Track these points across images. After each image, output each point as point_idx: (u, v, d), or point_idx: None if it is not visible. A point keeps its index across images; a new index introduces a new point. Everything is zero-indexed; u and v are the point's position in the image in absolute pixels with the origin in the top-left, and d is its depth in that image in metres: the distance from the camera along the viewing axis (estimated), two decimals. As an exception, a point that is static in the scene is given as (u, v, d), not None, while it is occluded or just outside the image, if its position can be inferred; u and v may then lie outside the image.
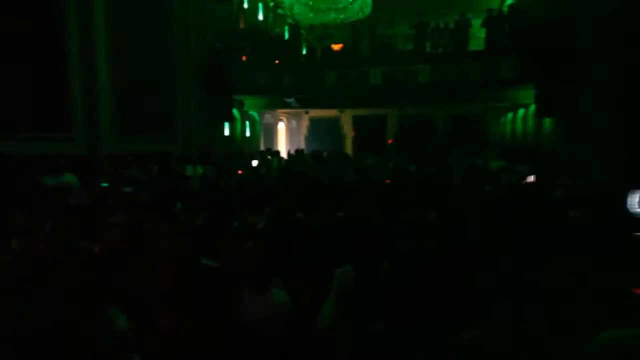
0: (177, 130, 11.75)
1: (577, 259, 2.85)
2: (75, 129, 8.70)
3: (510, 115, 15.47)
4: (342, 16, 12.45)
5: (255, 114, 16.19)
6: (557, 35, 10.20)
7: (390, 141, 18.84)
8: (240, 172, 9.33)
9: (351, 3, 10.84)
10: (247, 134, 15.53)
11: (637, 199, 5.43)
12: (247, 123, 15.53)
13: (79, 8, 8.69)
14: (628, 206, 5.23)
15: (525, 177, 7.44)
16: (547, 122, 11.54)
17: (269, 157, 12.63)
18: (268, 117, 18.07)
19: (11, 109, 7.34)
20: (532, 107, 11.91)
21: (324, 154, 14.50)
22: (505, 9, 15.91)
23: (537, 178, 6.98)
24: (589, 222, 4.40)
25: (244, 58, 13.69)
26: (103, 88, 9.22)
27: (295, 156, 13.07)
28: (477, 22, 13.09)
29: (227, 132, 13.83)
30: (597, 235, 3.81)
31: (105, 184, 6.73)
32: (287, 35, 15.31)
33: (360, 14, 11.15)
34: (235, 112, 13.78)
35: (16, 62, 7.57)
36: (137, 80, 10.00)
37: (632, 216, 5.06)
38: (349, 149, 18.85)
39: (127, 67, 9.77)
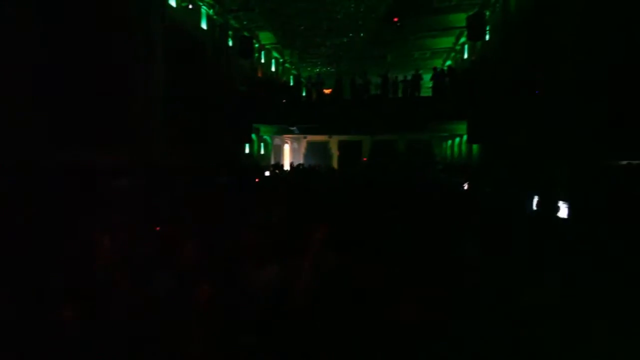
0: (214, 149, 11.67)
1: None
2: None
3: (449, 142, 15.71)
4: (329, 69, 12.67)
5: (268, 138, 16.24)
6: (482, 87, 10.46)
7: (364, 159, 18.98)
8: (257, 180, 9.32)
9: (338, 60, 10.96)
10: (262, 151, 15.57)
11: (535, 202, 5.58)
12: (262, 144, 15.57)
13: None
14: (530, 207, 5.36)
15: (462, 185, 7.55)
16: (475, 147, 11.76)
17: (277, 170, 12.68)
18: (277, 140, 18.11)
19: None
20: (465, 137, 12.12)
21: (317, 167, 14.63)
22: (445, 68, 16.32)
23: (468, 186, 7.06)
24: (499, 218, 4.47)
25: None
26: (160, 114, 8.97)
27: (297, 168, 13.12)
28: (426, 76, 13.35)
29: (247, 150, 13.88)
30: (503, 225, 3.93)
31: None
32: (291, 82, 15.44)
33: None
34: (253, 136, 13.83)
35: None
36: (184, 112, 9.99)
37: (532, 214, 5.19)
38: (335, 164, 18.95)
39: (180, 101, 9.68)
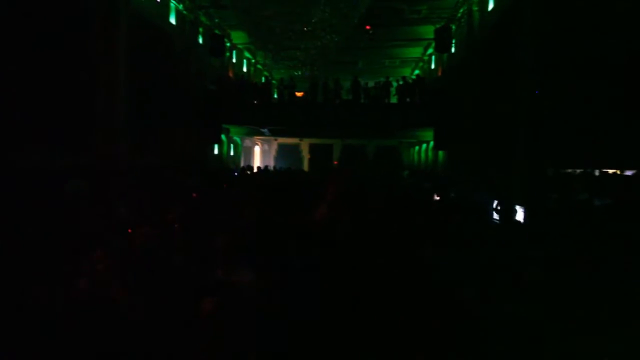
0: (181, 149, 11.27)
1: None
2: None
3: (417, 147, 16.34)
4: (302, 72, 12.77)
5: (238, 139, 15.96)
6: (448, 97, 11.03)
7: (335, 162, 19.22)
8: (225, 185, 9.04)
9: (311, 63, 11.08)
10: (231, 153, 15.27)
11: (495, 206, 5.97)
12: (232, 145, 15.27)
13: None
14: (492, 210, 5.72)
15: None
16: (441, 153, 12.34)
17: (248, 172, 12.49)
18: (247, 142, 17.85)
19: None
20: (431, 143, 12.67)
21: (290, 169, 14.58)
22: (414, 76, 17.00)
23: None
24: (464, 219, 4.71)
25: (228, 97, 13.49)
26: (123, 114, 8.56)
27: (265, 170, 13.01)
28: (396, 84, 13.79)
29: (216, 151, 13.55)
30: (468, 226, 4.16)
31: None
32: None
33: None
34: (223, 137, 13.54)
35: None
36: (156, 111, 9.59)
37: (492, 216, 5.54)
38: (306, 167, 19.00)
39: (143, 99, 9.28)
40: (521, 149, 7.19)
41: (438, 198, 5.71)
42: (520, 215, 5.31)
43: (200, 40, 12.59)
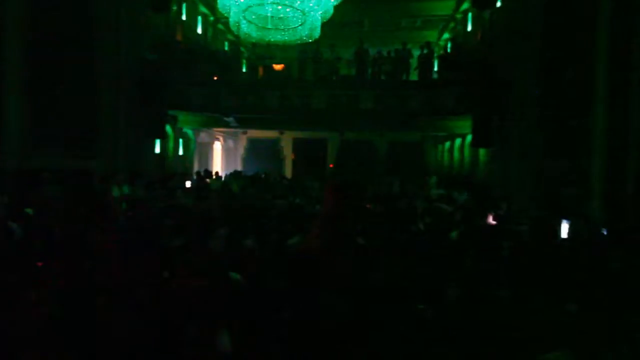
0: (101, 145, 11.08)
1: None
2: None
3: (447, 144, 16.36)
4: (286, 38, 12.68)
5: (190, 132, 15.73)
6: (493, 72, 11.04)
7: (331, 165, 19.12)
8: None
9: (301, 24, 11.00)
10: (180, 152, 15.02)
11: (566, 229, 5.92)
12: (181, 141, 15.02)
13: None
14: (561, 235, 5.68)
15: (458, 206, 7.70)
16: (482, 152, 12.33)
17: (207, 179, 12.29)
18: (203, 136, 17.64)
19: None
20: (469, 137, 12.67)
21: (263, 175, 14.44)
22: (442, 43, 17.08)
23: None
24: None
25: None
26: (12, 92, 8.41)
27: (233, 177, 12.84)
28: (417, 53, 13.85)
29: (157, 149, 13.27)
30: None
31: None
32: (227, 51, 15.24)
33: (306, 37, 11.37)
34: (168, 128, 13.30)
35: None
36: (54, 87, 9.34)
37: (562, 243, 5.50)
38: (288, 171, 18.86)
39: (44, 71, 9.07)
40: (600, 154, 7.17)
41: (494, 222, 5.64)
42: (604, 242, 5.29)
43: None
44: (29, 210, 5.40)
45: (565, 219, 5.89)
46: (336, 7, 11.07)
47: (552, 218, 5.99)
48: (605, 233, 5.44)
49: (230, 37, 17.96)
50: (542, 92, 9.42)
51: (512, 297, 3.22)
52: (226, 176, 14.40)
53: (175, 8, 14.13)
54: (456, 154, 15.26)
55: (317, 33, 10.97)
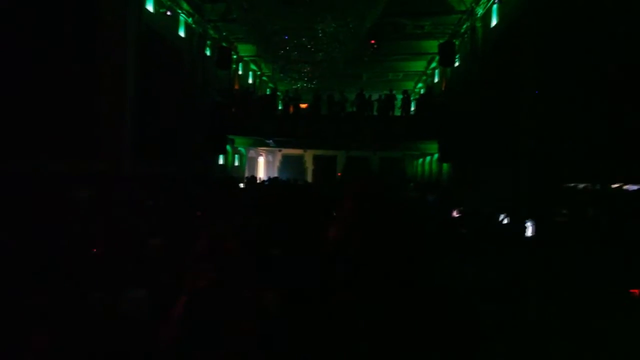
0: (181, 158, 11.29)
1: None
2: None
3: (421, 160, 16.36)
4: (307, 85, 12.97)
5: (242, 150, 16.05)
6: (452, 110, 11.11)
7: (339, 174, 19.24)
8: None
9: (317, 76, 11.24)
10: (236, 163, 15.34)
11: (503, 219, 5.94)
12: (237, 156, 15.35)
13: (114, 57, 8.10)
14: (499, 225, 5.69)
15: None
16: (445, 166, 12.35)
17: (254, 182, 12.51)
18: (252, 152, 17.94)
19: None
20: (436, 156, 12.70)
21: (291, 180, 14.60)
22: (417, 90, 17.16)
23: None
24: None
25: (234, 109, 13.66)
26: (130, 121, 8.60)
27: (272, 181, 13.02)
28: (400, 97, 13.92)
29: (221, 161, 13.61)
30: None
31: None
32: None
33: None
34: (228, 147, 13.64)
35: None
36: (157, 119, 9.68)
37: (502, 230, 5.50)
38: (309, 178, 19.03)
39: (151, 109, 9.41)
40: (526, 163, 7.20)
41: (458, 215, 5.66)
42: (529, 230, 5.29)
43: (208, 53, 12.82)
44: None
45: (502, 213, 5.92)
46: (344, 64, 11.25)
47: (493, 212, 6.02)
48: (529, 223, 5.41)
49: (271, 85, 18.32)
50: (479, 123, 9.50)
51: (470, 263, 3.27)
52: (268, 179, 14.61)
53: (234, 66, 14.52)
54: (427, 167, 15.26)
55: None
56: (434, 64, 15.09)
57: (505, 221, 5.49)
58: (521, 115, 7.35)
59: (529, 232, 4.95)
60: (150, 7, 9.60)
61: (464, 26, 11.24)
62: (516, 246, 4.24)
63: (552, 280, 2.78)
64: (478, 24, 10.40)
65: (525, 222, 4.94)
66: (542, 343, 2.02)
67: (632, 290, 2.33)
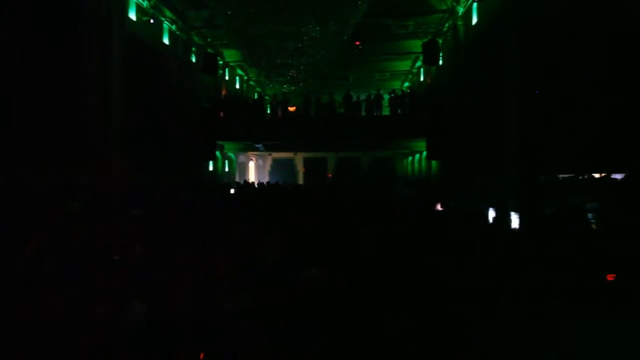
0: (174, 166, 11.24)
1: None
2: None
3: (410, 158, 16.52)
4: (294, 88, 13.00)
5: (232, 155, 15.99)
6: (438, 108, 11.27)
7: (329, 175, 19.30)
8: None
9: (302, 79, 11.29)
10: (226, 169, 15.27)
11: (492, 214, 6.05)
12: (226, 161, 15.29)
13: (100, 73, 8.15)
14: (489, 219, 5.78)
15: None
16: (434, 163, 12.50)
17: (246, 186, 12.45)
18: (242, 157, 17.89)
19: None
20: (424, 153, 12.84)
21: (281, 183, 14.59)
22: (404, 89, 17.33)
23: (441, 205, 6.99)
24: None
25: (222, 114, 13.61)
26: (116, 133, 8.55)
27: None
28: (387, 96, 14.03)
29: (211, 167, 13.54)
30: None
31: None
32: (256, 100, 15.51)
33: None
34: (217, 153, 13.57)
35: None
36: (145, 128, 9.59)
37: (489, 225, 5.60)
38: (300, 180, 19.04)
39: (139, 118, 9.31)
40: (511, 156, 7.35)
41: (441, 208, 5.76)
42: (515, 222, 5.40)
43: (194, 59, 12.76)
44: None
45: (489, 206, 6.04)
46: (330, 66, 11.31)
47: (479, 205, 6.13)
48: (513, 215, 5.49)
49: (258, 89, 18.30)
50: (465, 120, 9.65)
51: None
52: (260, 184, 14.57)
53: (220, 72, 14.46)
54: (416, 164, 15.42)
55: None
56: (419, 63, 15.28)
57: (492, 214, 5.60)
58: (506, 111, 7.50)
59: (514, 224, 5.06)
60: (133, 16, 9.53)
61: (446, 25, 11.43)
62: (501, 237, 4.33)
63: (539, 272, 2.85)
64: (459, 22, 10.59)
65: (510, 215, 5.04)
66: (528, 341, 2.05)
67: (607, 276, 2.41)
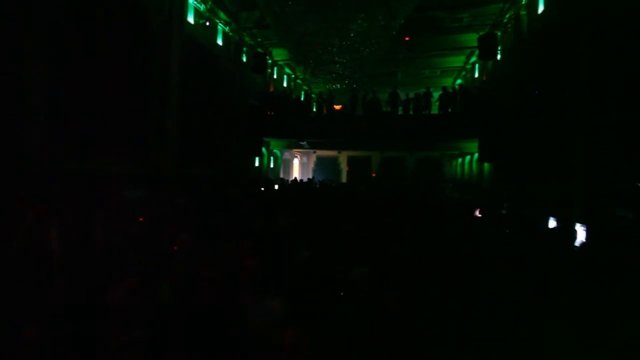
0: (220, 161, 11.72)
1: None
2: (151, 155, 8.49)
3: (459, 159, 15.53)
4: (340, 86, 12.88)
5: (277, 152, 16.33)
6: (493, 107, 10.39)
7: (374, 175, 18.88)
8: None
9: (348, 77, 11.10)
10: (272, 165, 15.63)
11: (551, 223, 5.39)
12: (272, 158, 15.64)
13: (161, 72, 8.71)
14: (547, 228, 5.17)
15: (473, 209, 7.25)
16: (487, 166, 11.59)
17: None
18: (287, 154, 18.20)
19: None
20: (476, 155, 11.96)
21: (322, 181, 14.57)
22: (456, 86, 16.30)
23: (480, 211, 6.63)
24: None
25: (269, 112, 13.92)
26: (172, 128, 9.07)
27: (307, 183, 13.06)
28: (437, 94, 13.33)
29: (257, 163, 13.94)
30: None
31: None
32: (302, 98, 15.64)
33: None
34: (263, 149, 13.92)
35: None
36: (196, 124, 10.10)
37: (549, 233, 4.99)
38: (344, 179, 18.88)
39: (191, 115, 9.83)
40: (581, 160, 6.48)
41: (480, 215, 5.28)
42: (581, 235, 4.73)
43: (244, 59, 13.20)
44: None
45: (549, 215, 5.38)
46: (377, 63, 10.98)
47: (538, 214, 5.51)
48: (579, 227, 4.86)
49: (305, 88, 18.45)
50: (526, 120, 8.73)
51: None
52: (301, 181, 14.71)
53: (269, 71, 14.82)
54: (467, 167, 14.44)
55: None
56: (473, 58, 14.26)
57: (552, 224, 4.98)
58: (577, 110, 6.62)
59: (580, 238, 4.42)
60: (191, 19, 10.10)
61: (507, 16, 10.46)
62: (563, 256, 3.79)
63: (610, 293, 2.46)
64: (522, 12, 9.62)
65: (574, 226, 4.42)
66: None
67: None
